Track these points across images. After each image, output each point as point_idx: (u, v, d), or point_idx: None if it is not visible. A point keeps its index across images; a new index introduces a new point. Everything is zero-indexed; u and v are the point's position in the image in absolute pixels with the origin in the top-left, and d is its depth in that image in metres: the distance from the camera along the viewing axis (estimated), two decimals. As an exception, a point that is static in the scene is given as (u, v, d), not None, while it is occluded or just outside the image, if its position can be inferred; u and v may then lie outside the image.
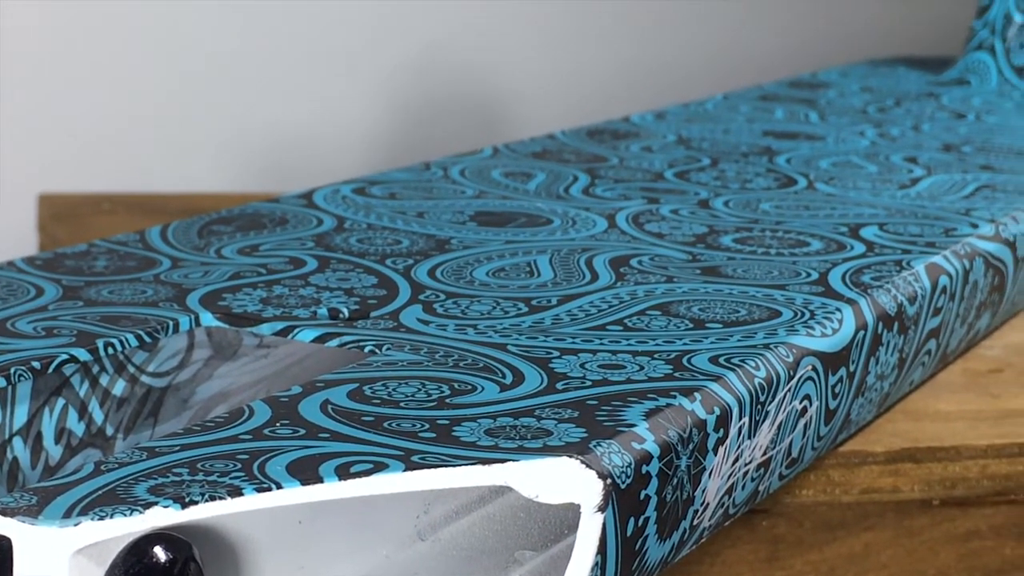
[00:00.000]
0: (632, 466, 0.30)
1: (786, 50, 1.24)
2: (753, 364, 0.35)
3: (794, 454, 0.38)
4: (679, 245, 0.46)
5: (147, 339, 0.37)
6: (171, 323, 0.38)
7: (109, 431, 0.37)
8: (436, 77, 1.10)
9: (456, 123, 1.12)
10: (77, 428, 0.37)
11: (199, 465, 0.29)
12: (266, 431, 0.31)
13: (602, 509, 0.29)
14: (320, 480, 0.28)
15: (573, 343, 0.37)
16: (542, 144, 0.60)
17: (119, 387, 0.37)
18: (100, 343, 0.36)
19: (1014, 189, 0.54)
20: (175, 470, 0.29)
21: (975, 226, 0.49)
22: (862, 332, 0.40)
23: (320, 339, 0.37)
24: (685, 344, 0.37)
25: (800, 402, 0.37)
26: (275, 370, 0.41)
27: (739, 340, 0.37)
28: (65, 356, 0.36)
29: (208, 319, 0.39)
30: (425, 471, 0.29)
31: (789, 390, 0.36)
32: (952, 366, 0.50)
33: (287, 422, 0.31)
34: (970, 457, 0.44)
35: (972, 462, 0.44)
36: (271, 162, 1.03)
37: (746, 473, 0.35)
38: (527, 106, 1.15)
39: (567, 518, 0.34)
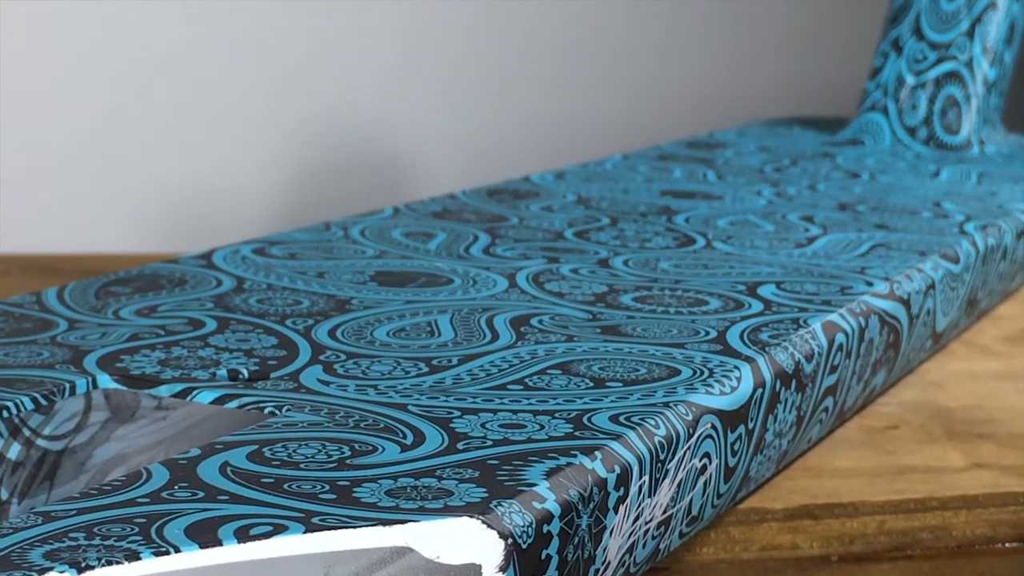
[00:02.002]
0: (533, 526, 0.30)
1: (683, 110, 1.25)
2: (653, 422, 0.36)
3: (694, 512, 0.38)
4: (579, 304, 0.46)
5: (43, 402, 0.37)
6: (68, 385, 0.38)
7: (4, 495, 0.37)
8: (336, 137, 1.10)
9: (356, 183, 1.12)
10: (-29, 493, 0.36)
11: (96, 529, 0.29)
12: (164, 494, 0.30)
13: (503, 569, 0.29)
14: (219, 543, 0.28)
15: (474, 403, 0.37)
16: (442, 204, 0.60)
17: (14, 451, 0.37)
18: (-5, 406, 0.36)
19: (908, 248, 0.55)
20: (71, 535, 0.28)
21: (870, 284, 0.50)
22: (760, 390, 0.40)
23: (219, 401, 0.37)
24: (585, 403, 0.37)
25: (700, 460, 0.37)
26: (174, 432, 0.40)
27: (639, 399, 0.37)
28: (-41, 420, 0.35)
29: (105, 381, 0.38)
30: (325, 533, 0.28)
31: (689, 448, 0.36)
32: (849, 423, 0.51)
33: (185, 485, 0.31)
34: (867, 513, 0.45)
35: (870, 518, 0.45)
36: (170, 222, 1.02)
37: (647, 531, 0.35)
38: (427, 166, 1.15)
39: (469, 579, 0.34)
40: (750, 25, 1.32)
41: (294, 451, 0.33)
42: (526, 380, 0.39)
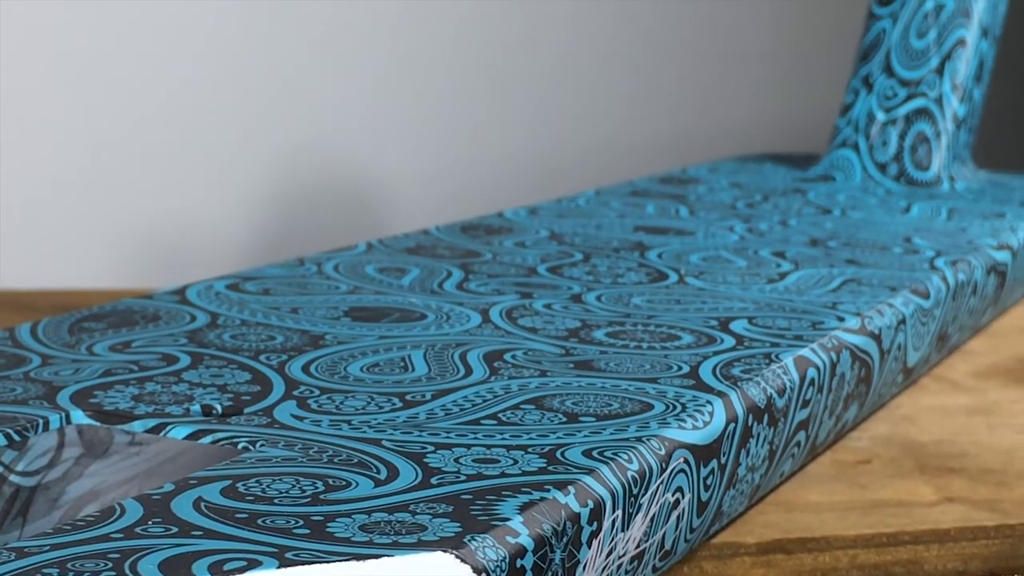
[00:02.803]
0: (507, 560, 0.30)
1: (657, 146, 1.26)
2: (626, 457, 0.36)
3: (667, 546, 0.38)
4: (552, 339, 0.46)
5: (16, 437, 0.37)
6: (41, 421, 0.38)
7: (-24, 532, 0.37)
8: (310, 173, 1.10)
9: (330, 219, 1.12)
10: (-57, 529, 0.36)
11: (69, 565, 0.29)
12: (138, 529, 0.30)
13: (477, 604, 0.29)
14: (193, 578, 0.28)
15: (448, 438, 0.37)
16: (416, 240, 0.61)
17: (-13, 487, 0.37)
18: (-32, 442, 0.36)
19: (879, 283, 0.56)
20: (45, 571, 0.28)
21: (841, 319, 0.50)
22: (733, 424, 0.40)
23: (193, 436, 0.37)
24: (559, 438, 0.37)
25: (673, 494, 0.37)
26: (147, 468, 0.40)
27: (612, 433, 0.37)
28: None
29: (79, 417, 0.38)
30: (299, 568, 0.29)
31: (662, 483, 0.37)
32: (821, 457, 0.51)
33: (159, 520, 0.31)
34: (839, 547, 0.45)
35: (842, 552, 0.45)
36: (144, 258, 1.02)
37: (620, 566, 0.35)
38: (401, 202, 1.15)
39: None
40: (722, 63, 1.32)
41: (268, 486, 0.33)
42: (499, 415, 0.39)
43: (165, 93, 1.02)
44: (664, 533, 0.38)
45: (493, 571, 0.29)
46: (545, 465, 0.35)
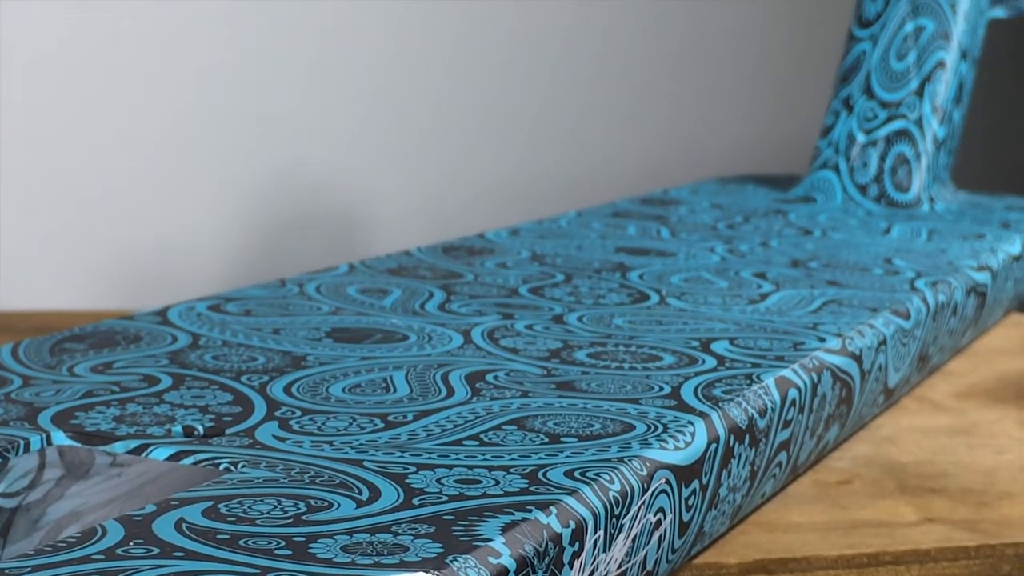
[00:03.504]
0: (489, 581, 0.30)
1: (638, 167, 1.26)
2: (608, 477, 0.36)
3: (649, 567, 0.38)
4: (534, 360, 0.46)
5: (-3, 459, 0.37)
6: (22, 442, 0.37)
7: (-43, 553, 0.37)
8: (292, 194, 1.10)
9: (312, 240, 1.12)
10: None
11: (50, 586, 0.28)
12: (119, 551, 0.30)
13: (459, 624, 0.29)
14: (174, 599, 0.28)
15: (430, 458, 0.37)
16: (398, 260, 0.61)
17: (-33, 508, 0.37)
18: (-52, 463, 0.36)
19: (859, 304, 0.56)
20: (25, 592, 0.28)
21: (822, 340, 0.50)
22: (714, 445, 0.40)
23: (174, 457, 0.37)
24: (540, 458, 0.37)
25: (654, 515, 0.37)
26: (128, 489, 0.40)
27: (594, 454, 0.37)
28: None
29: (60, 438, 0.38)
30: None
31: (643, 503, 0.37)
32: (802, 478, 0.51)
33: (141, 541, 0.31)
34: (821, 568, 0.45)
35: (823, 572, 0.45)
36: (125, 279, 1.02)
37: (602, 586, 0.35)
38: (383, 223, 1.15)
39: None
40: (702, 84, 1.33)
41: (250, 507, 0.33)
42: (481, 436, 0.39)
43: (147, 116, 1.02)
44: (646, 554, 0.38)
45: (475, 592, 0.29)
46: (527, 486, 0.35)
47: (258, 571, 0.29)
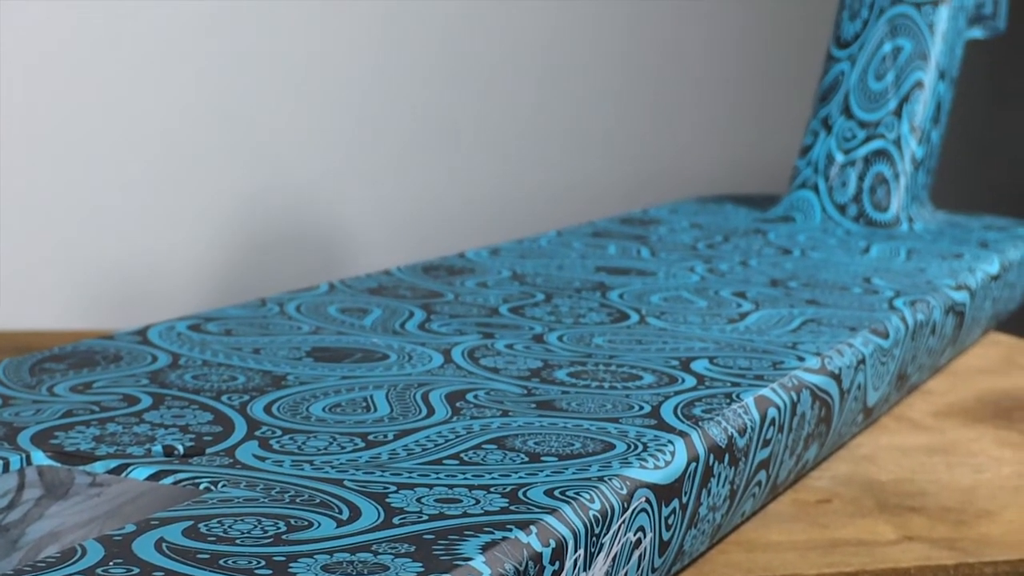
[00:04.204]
0: (469, 600, 0.30)
1: (618, 187, 1.26)
2: (588, 496, 0.36)
3: (629, 586, 0.38)
4: (514, 379, 0.46)
5: (-24, 479, 0.37)
6: (1, 462, 0.37)
7: (-65, 574, 0.36)
8: (272, 214, 1.10)
9: (292, 259, 1.12)
10: (-98, 571, 0.36)
11: (30, 606, 0.28)
12: (99, 571, 0.30)
13: (439, 643, 0.29)
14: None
15: (410, 477, 0.37)
16: (378, 280, 0.61)
17: (-54, 528, 0.36)
18: (-73, 483, 0.36)
19: (838, 323, 0.56)
20: (5, 612, 0.28)
21: (801, 359, 0.50)
22: (694, 464, 0.40)
23: (155, 476, 0.37)
24: (521, 477, 0.37)
25: (634, 534, 0.38)
26: (108, 509, 0.40)
27: (574, 473, 0.38)
28: None
29: (40, 458, 0.38)
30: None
31: (623, 522, 0.37)
32: (782, 497, 0.51)
33: (120, 561, 0.31)
34: (801, 586, 0.45)
35: (803, 591, 0.45)
36: (105, 299, 1.02)
37: (582, 605, 0.35)
38: (363, 242, 1.15)
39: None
40: (682, 104, 1.33)
41: (230, 527, 0.33)
42: (462, 455, 0.39)
43: (126, 136, 1.02)
44: (626, 572, 0.38)
45: (455, 611, 0.30)
46: (507, 505, 0.35)
47: (238, 591, 0.29)
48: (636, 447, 0.40)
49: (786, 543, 0.48)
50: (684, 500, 0.40)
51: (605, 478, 0.37)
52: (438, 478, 0.37)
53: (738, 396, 0.45)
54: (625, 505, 0.37)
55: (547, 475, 0.37)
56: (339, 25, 1.12)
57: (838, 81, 0.84)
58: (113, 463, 0.38)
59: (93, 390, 0.44)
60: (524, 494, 0.36)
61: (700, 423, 0.42)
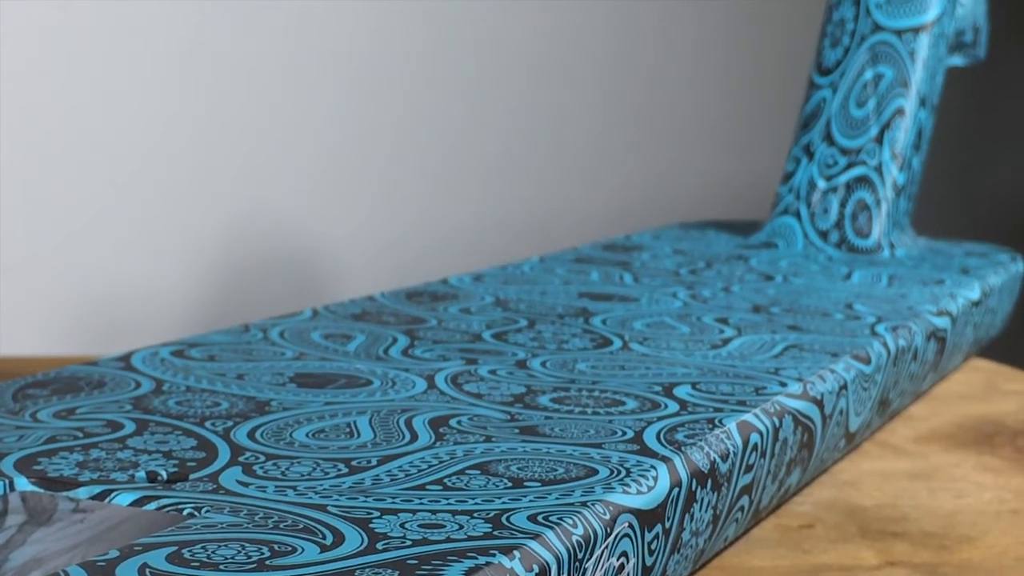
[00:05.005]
0: (452, 625, 0.30)
1: (601, 214, 1.27)
2: (571, 522, 0.36)
3: (612, 611, 0.38)
4: (497, 405, 0.46)
5: (-41, 505, 0.37)
6: (-16, 488, 0.37)
7: (-82, 600, 0.36)
8: (255, 240, 1.11)
9: (275, 285, 1.12)
10: None
11: (13, 632, 0.28)
12: (82, 596, 0.30)
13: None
14: (138, 645, 0.28)
15: (393, 503, 0.37)
16: (361, 306, 0.61)
17: (-71, 554, 0.36)
18: (-90, 509, 0.36)
19: (820, 348, 0.56)
20: (-12, 637, 0.28)
21: (784, 385, 0.50)
22: (677, 489, 0.41)
23: (138, 502, 0.37)
24: (504, 503, 0.37)
25: (617, 559, 0.38)
26: (92, 535, 0.40)
27: (557, 498, 0.38)
28: None
29: (23, 484, 0.38)
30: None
31: (606, 547, 0.37)
32: (765, 522, 0.52)
33: (104, 587, 0.31)
34: (783, 611, 0.45)
35: (785, 616, 0.45)
36: (88, 325, 1.02)
37: (565, 630, 0.35)
38: (346, 268, 1.15)
39: None
40: (664, 131, 1.34)
41: (213, 552, 0.33)
42: (445, 480, 0.39)
43: (109, 161, 1.02)
44: (609, 598, 0.38)
45: (439, 636, 0.30)
46: (490, 530, 0.35)
47: (222, 616, 0.29)
48: (619, 472, 0.40)
49: (769, 568, 0.48)
50: (667, 525, 0.40)
51: (588, 503, 0.37)
52: (421, 503, 0.37)
53: (720, 422, 0.45)
54: (608, 530, 0.37)
55: (530, 500, 0.37)
56: (320, 52, 1.12)
57: (820, 108, 0.85)
58: (96, 489, 0.38)
59: (77, 416, 0.44)
60: (507, 519, 0.36)
61: (683, 448, 0.42)
